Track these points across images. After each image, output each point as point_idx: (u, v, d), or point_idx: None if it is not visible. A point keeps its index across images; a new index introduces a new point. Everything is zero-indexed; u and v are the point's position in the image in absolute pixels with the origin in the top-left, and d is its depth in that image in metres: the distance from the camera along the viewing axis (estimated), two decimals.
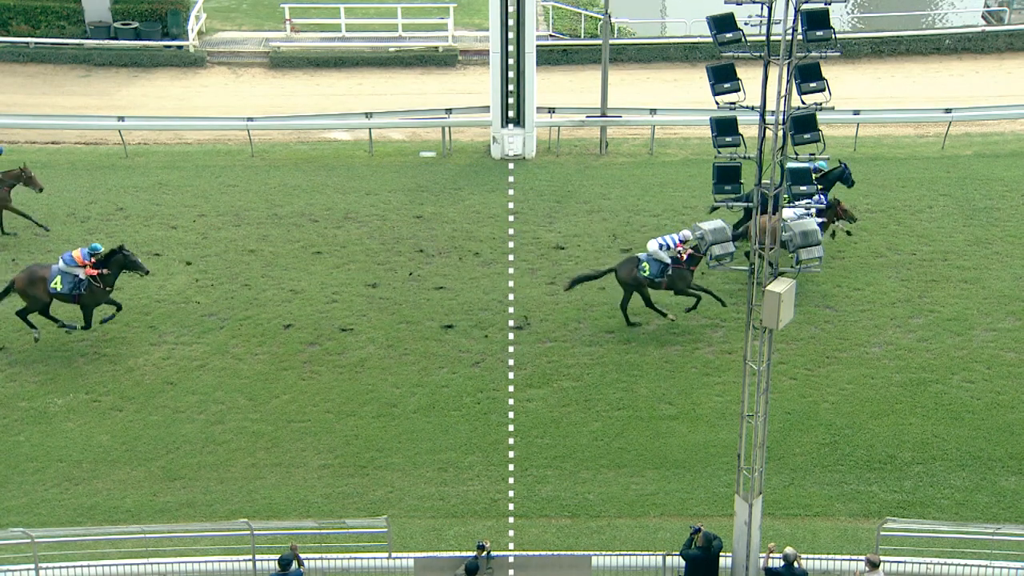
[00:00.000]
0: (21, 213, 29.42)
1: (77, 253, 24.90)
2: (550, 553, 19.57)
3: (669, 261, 25.43)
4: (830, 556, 19.44)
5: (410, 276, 27.44)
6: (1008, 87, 37.76)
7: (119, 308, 25.44)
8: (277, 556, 18.45)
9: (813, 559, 19.21)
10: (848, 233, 28.35)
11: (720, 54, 16.21)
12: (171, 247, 29.14)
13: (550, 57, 38.70)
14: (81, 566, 19.37)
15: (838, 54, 16.03)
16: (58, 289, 24.82)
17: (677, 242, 25.51)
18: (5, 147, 31.01)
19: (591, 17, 40.87)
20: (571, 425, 23.13)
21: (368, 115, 34.56)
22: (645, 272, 25.41)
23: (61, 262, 24.92)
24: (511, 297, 26.69)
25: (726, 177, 16.83)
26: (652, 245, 25.58)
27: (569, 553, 19.58)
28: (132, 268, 25.21)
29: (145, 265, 25.55)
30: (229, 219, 30.39)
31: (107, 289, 25.07)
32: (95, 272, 24.83)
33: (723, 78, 16.38)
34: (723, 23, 16.10)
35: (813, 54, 16.03)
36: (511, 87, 33.09)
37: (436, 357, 25.09)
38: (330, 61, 40.22)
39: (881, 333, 25.68)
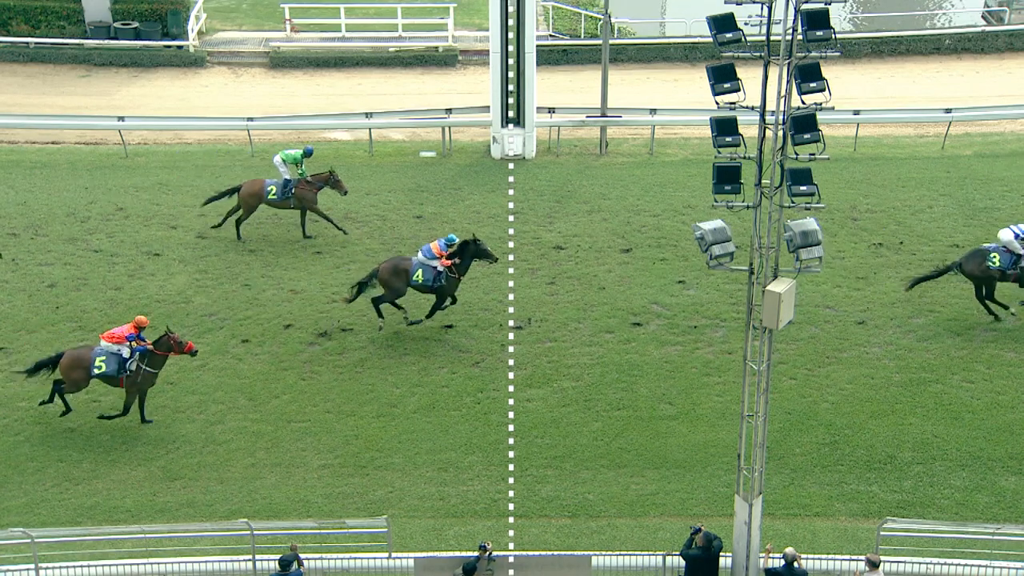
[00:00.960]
0: (323, 216, 29.36)
1: (435, 245, 25.42)
2: (550, 553, 19.56)
3: (1023, 252, 25.10)
4: (830, 556, 19.42)
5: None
6: (1008, 87, 37.77)
7: (454, 302, 25.98)
8: (277, 556, 18.44)
9: (813, 559, 19.20)
10: None
11: (720, 54, 16.20)
12: (171, 247, 29.14)
13: (550, 57, 38.70)
14: (81, 566, 19.36)
15: (838, 54, 16.02)
16: (419, 282, 25.29)
17: None
18: (313, 147, 30.78)
19: (591, 17, 40.87)
20: (571, 425, 23.13)
21: (368, 115, 34.57)
22: (995, 263, 25.06)
23: (420, 255, 25.38)
24: (511, 297, 26.69)
25: (726, 177, 16.82)
26: (1006, 235, 25.15)
27: (569, 553, 19.57)
28: (483, 257, 25.75)
29: (494, 253, 26.09)
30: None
31: (459, 278, 25.58)
32: (449, 263, 25.28)
33: (723, 78, 16.37)
34: (723, 23, 16.09)
35: (813, 54, 16.02)
36: (511, 87, 33.09)
37: (436, 357, 25.09)
38: (330, 61, 40.22)
39: (881, 333, 25.68)
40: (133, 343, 22.59)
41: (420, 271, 25.28)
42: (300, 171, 29.17)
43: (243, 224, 29.28)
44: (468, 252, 25.55)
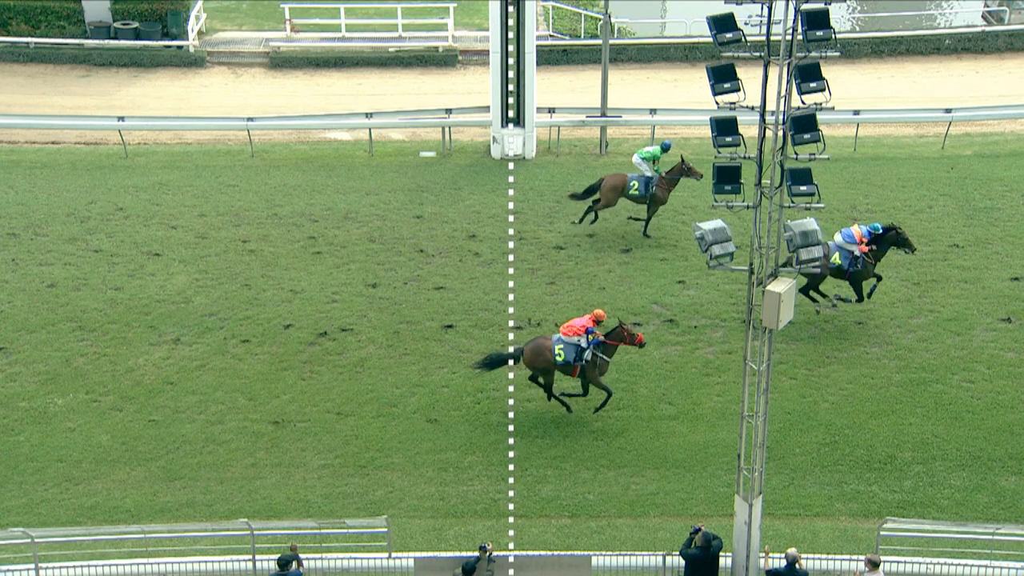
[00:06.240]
0: (652, 215, 29.47)
1: (857, 229, 25.78)
2: (550, 553, 19.57)
3: None
4: (830, 556, 19.42)
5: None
6: (1008, 87, 37.76)
7: (879, 279, 26.21)
8: (277, 556, 18.44)
9: (813, 559, 19.20)
10: None
11: (720, 54, 16.21)
12: (171, 247, 29.14)
13: (550, 57, 38.70)
14: (81, 566, 19.37)
15: (838, 54, 16.03)
16: (836, 264, 25.69)
17: None
18: (671, 141, 30.54)
19: (591, 17, 40.87)
20: (571, 425, 23.12)
21: (368, 115, 34.57)
22: None
23: (839, 238, 25.72)
24: (511, 297, 26.68)
25: (726, 177, 16.83)
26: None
27: (569, 553, 19.58)
28: (902, 245, 26.08)
29: (914, 243, 26.45)
30: (229, 219, 30.39)
31: (874, 264, 25.98)
32: (867, 249, 25.67)
33: (723, 78, 16.38)
34: (723, 23, 16.10)
35: (813, 54, 16.03)
36: (511, 87, 33.08)
37: (436, 357, 25.08)
38: (330, 61, 40.22)
39: (881, 333, 25.68)
40: (591, 335, 22.93)
41: (837, 254, 25.63)
42: (655, 168, 29.29)
43: (598, 213, 29.61)
44: (888, 240, 25.92)
